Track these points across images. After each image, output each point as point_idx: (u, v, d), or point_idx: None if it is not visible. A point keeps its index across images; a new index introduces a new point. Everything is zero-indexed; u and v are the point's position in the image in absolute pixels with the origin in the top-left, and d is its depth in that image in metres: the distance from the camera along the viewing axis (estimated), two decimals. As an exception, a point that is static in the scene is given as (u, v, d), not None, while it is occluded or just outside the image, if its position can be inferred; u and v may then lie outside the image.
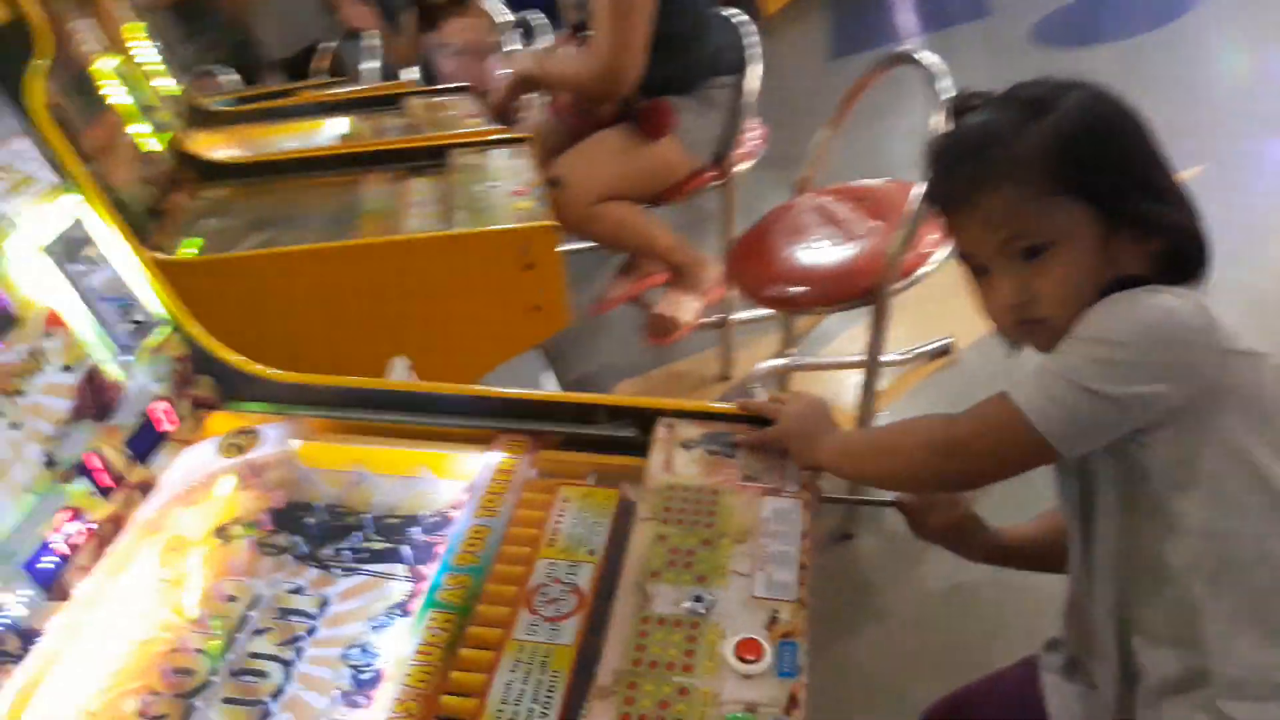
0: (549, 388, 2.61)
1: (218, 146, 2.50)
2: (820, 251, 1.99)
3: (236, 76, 3.66)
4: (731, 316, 2.61)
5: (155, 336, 1.17)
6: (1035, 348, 0.94)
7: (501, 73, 2.93)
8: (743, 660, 0.86)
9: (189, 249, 1.86)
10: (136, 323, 1.14)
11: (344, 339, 1.73)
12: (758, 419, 1.11)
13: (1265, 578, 0.86)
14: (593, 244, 2.84)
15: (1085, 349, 0.87)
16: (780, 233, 2.10)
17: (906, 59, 1.90)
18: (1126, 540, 0.91)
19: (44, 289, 1.05)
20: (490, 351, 1.81)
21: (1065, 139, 0.90)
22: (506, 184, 1.96)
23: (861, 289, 1.85)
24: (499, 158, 2.11)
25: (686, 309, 2.56)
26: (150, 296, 1.18)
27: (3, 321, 1.00)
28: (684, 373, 2.71)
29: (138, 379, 1.14)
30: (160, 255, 1.71)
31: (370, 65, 3.67)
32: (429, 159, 2.17)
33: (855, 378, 2.09)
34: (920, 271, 1.87)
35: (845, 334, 2.61)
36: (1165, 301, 0.86)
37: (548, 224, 1.75)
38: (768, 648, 0.87)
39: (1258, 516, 0.86)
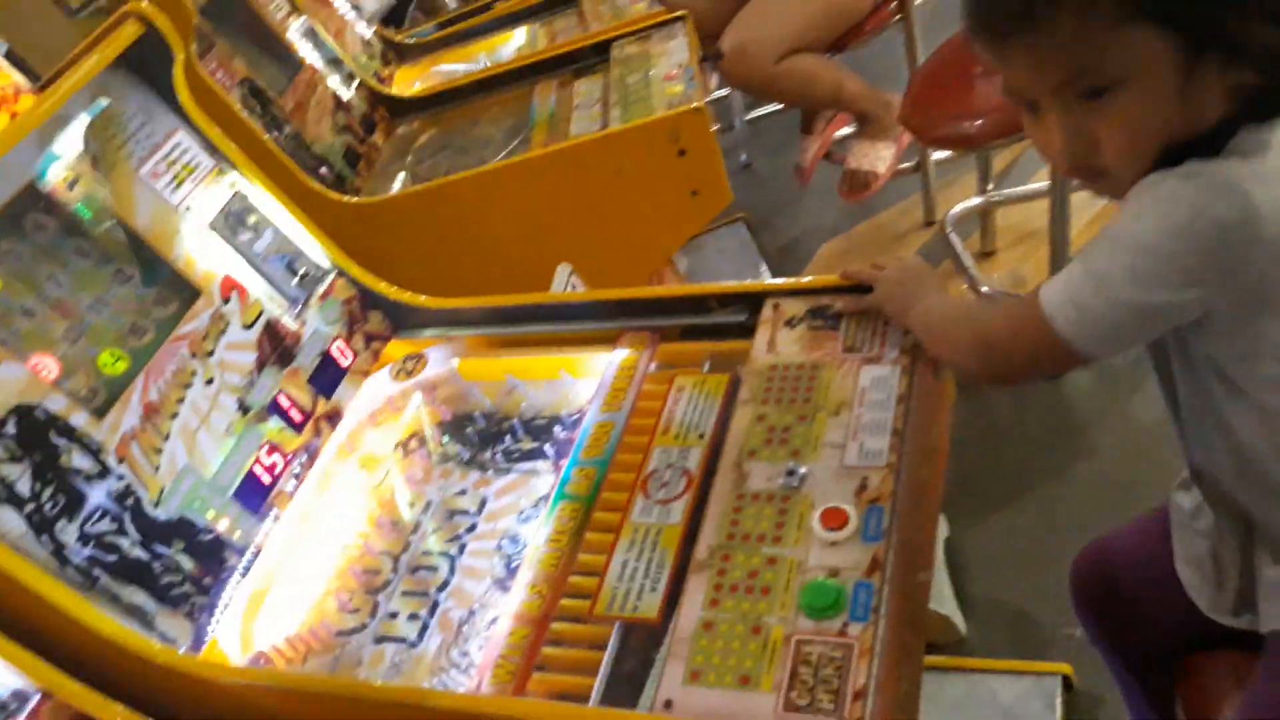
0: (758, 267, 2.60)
1: (415, 80, 2.66)
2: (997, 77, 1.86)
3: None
4: (929, 159, 2.50)
5: (324, 284, 1.33)
6: (1098, 194, 0.87)
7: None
8: (827, 529, 0.90)
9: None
10: (304, 275, 1.30)
11: (514, 255, 1.83)
12: (861, 288, 1.11)
13: None
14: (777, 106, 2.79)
15: (1111, 251, 0.80)
16: (954, 64, 1.98)
17: None
18: (1205, 415, 0.86)
19: (217, 260, 1.22)
20: (655, 245, 1.86)
21: None
22: (660, 69, 1.97)
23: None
24: (656, 42, 2.12)
25: (881, 158, 2.48)
26: (315, 249, 1.33)
27: (188, 296, 1.18)
28: (887, 224, 2.64)
29: (313, 324, 1.30)
30: (355, 199, 1.89)
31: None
32: (595, 56, 2.21)
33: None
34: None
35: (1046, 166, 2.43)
36: (1196, 196, 0.76)
37: (695, 106, 1.76)
38: (852, 515, 0.90)
39: None
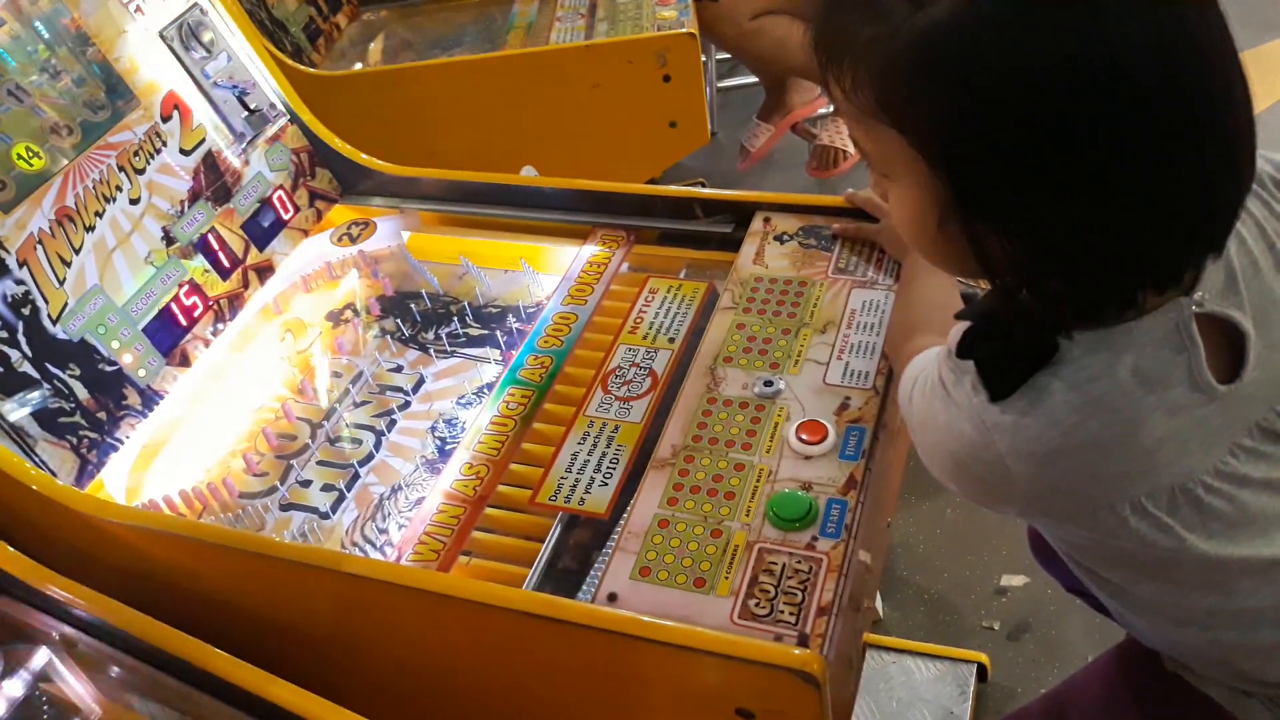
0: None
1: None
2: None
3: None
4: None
5: (275, 126, 1.21)
6: None
7: None
8: (804, 441, 0.83)
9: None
10: (254, 111, 1.18)
11: (477, 156, 1.73)
12: (862, 214, 1.05)
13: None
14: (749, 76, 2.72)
15: (911, 420, 0.72)
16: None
17: None
18: None
19: (163, 73, 1.10)
20: (626, 170, 1.78)
21: (908, 51, 0.56)
22: (653, -5, 1.89)
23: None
24: (651, -31, 2.04)
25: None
26: (271, 86, 1.22)
27: (125, 104, 1.05)
28: (847, 206, 2.59)
29: (256, 165, 1.18)
30: (312, 70, 1.76)
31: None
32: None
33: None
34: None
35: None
36: (950, 443, 0.65)
37: (688, 31, 1.68)
38: (832, 430, 0.84)
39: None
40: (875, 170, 0.68)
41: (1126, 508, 0.63)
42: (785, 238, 1.05)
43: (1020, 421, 0.62)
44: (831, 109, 2.48)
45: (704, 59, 2.98)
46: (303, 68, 1.73)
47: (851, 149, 2.43)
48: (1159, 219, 0.56)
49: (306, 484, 0.99)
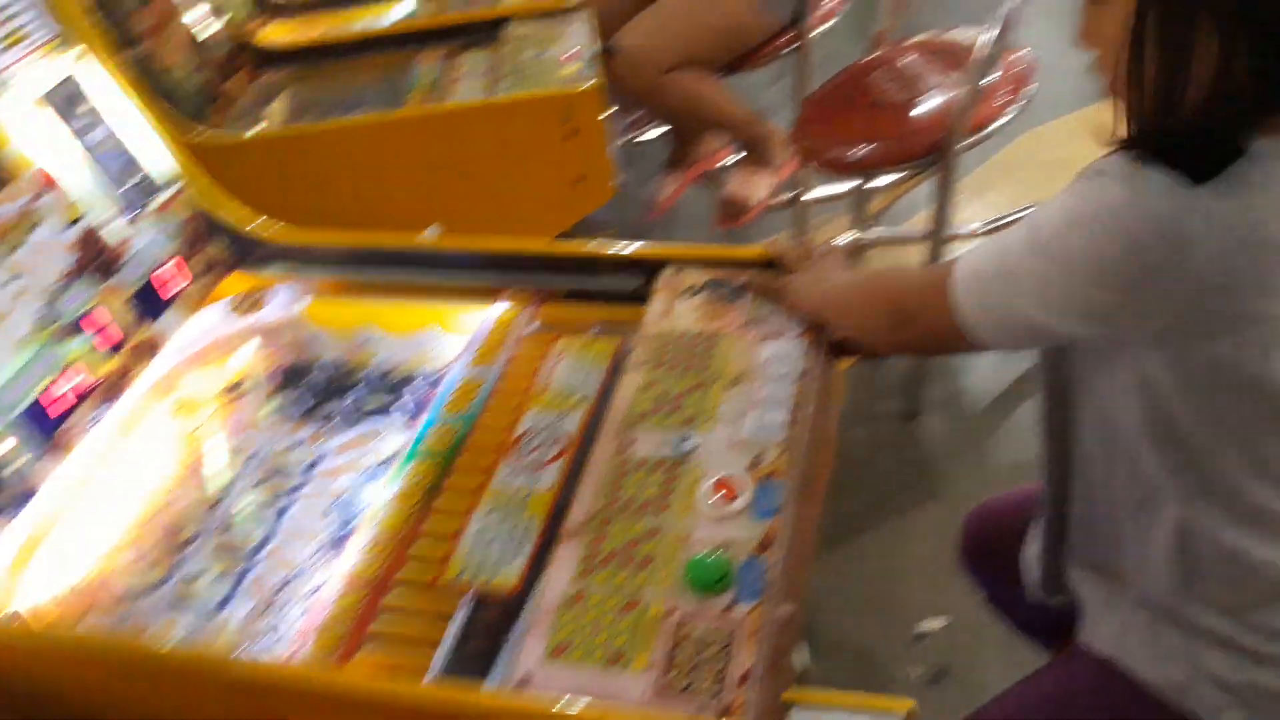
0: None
1: (287, 35, 2.49)
2: (887, 109, 1.86)
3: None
4: (805, 195, 2.49)
5: (164, 195, 1.16)
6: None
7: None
8: (718, 501, 0.80)
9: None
10: (141, 179, 1.13)
11: (390, 213, 1.70)
12: (773, 265, 1.04)
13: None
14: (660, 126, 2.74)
15: (1030, 249, 0.72)
16: (847, 94, 1.97)
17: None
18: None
19: (40, 144, 1.04)
20: (532, 227, 1.75)
21: None
22: (556, 51, 1.88)
23: (927, 145, 1.72)
24: (553, 26, 2.03)
25: (758, 188, 2.44)
26: (162, 154, 1.17)
27: (-4, 177, 1.00)
28: (758, 255, 2.60)
29: (145, 236, 1.13)
30: (208, 133, 1.71)
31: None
32: (486, 32, 2.10)
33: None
34: (993, 126, 1.73)
35: (926, 210, 2.46)
36: (1130, 223, 0.66)
37: (590, 87, 1.67)
38: (746, 487, 0.81)
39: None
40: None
41: (1269, 331, 0.67)
42: (694, 291, 1.03)
43: (1217, 204, 0.64)
44: (737, 159, 2.50)
45: (610, 112, 3.01)
46: (197, 132, 1.68)
47: (758, 199, 2.44)
48: None
49: (197, 576, 0.93)
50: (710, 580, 0.75)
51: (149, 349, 1.10)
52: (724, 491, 0.81)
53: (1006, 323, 0.76)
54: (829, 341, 0.97)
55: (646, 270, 1.08)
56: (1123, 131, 0.70)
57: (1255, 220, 0.65)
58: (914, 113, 1.79)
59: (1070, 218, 0.70)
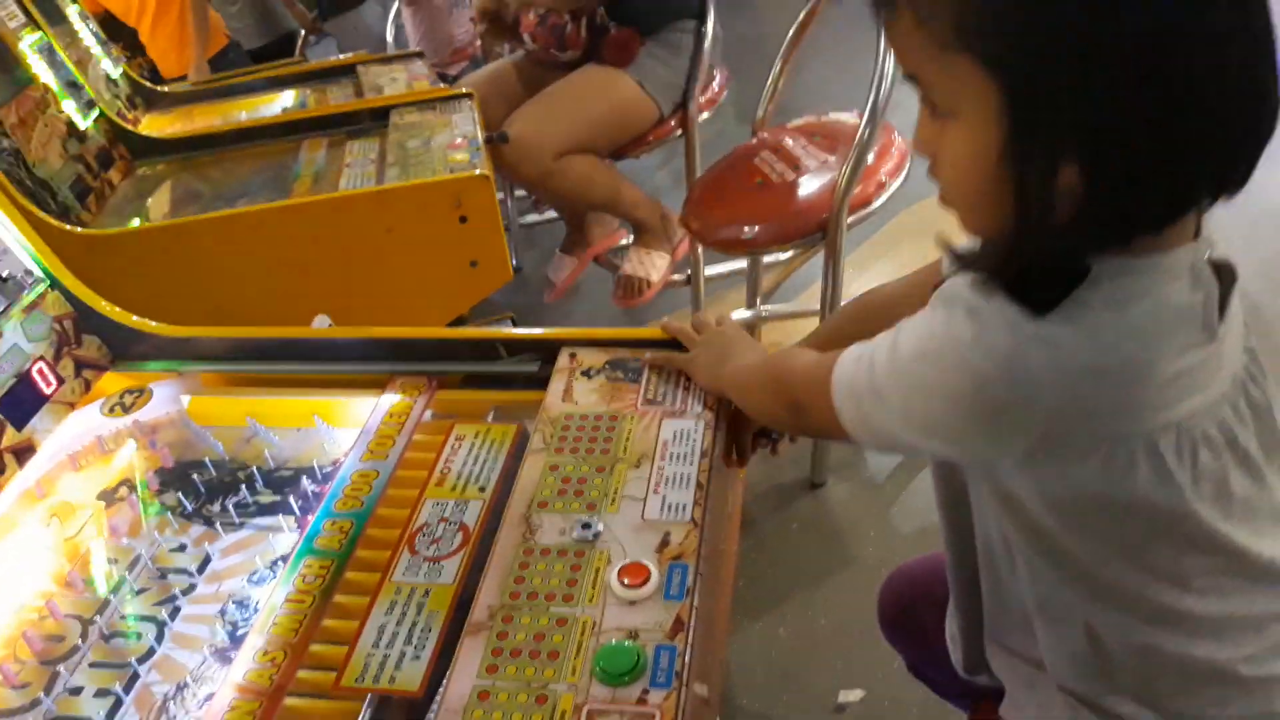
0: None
1: (166, 126, 2.44)
2: (774, 190, 1.91)
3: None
4: (700, 272, 2.53)
5: (31, 294, 1.11)
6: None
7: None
8: (627, 586, 0.79)
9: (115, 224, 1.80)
10: (5, 279, 1.08)
11: (277, 305, 1.66)
12: (671, 343, 1.04)
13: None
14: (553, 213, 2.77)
15: (893, 369, 0.72)
16: (734, 175, 2.02)
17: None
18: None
19: (-109, 244, 0.99)
20: (430, 311, 1.74)
21: None
22: (444, 139, 1.88)
23: (814, 224, 1.77)
24: (441, 114, 2.04)
25: (655, 267, 2.48)
26: (24, 252, 1.12)
27: None
28: (655, 333, 2.62)
29: (11, 339, 1.07)
30: (82, 230, 1.65)
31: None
32: (372, 122, 2.10)
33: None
34: (876, 204, 1.79)
35: (818, 285, 2.53)
36: (976, 360, 0.65)
37: (480, 174, 1.68)
38: (654, 570, 0.80)
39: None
40: (937, 111, 0.67)
41: (1140, 444, 0.66)
42: (593, 372, 1.03)
43: (1060, 333, 0.63)
44: (632, 239, 2.53)
45: (502, 196, 3.02)
46: (69, 228, 1.62)
47: (655, 278, 2.47)
48: (1223, 124, 0.60)
49: (77, 691, 0.87)
50: (621, 670, 0.72)
51: (20, 454, 1.04)
52: (632, 576, 0.79)
53: (881, 436, 0.75)
54: (735, 416, 0.97)
55: (543, 353, 1.07)
56: (965, 242, 0.71)
57: (1103, 344, 0.63)
58: (800, 193, 1.84)
59: (922, 349, 0.70)
